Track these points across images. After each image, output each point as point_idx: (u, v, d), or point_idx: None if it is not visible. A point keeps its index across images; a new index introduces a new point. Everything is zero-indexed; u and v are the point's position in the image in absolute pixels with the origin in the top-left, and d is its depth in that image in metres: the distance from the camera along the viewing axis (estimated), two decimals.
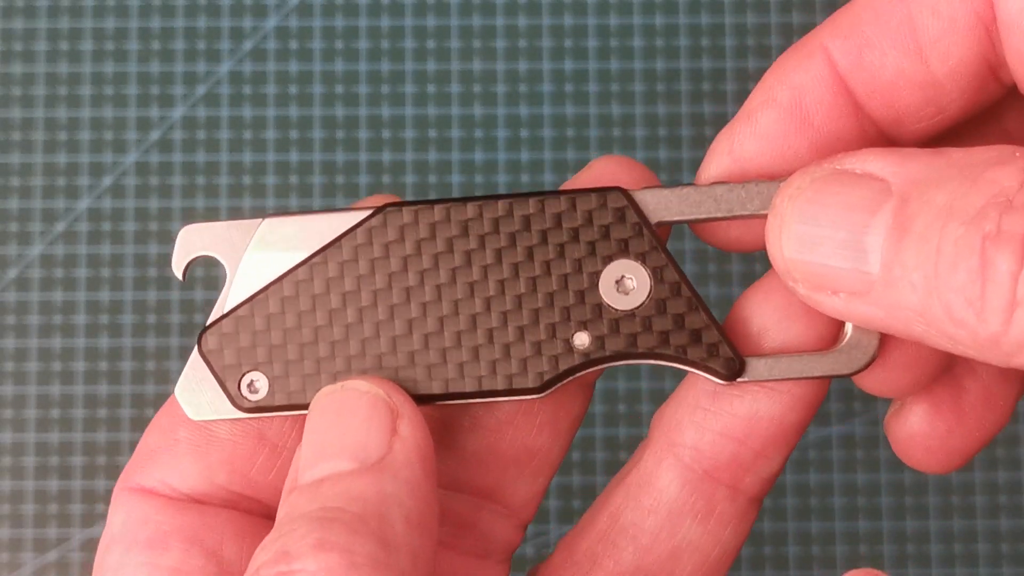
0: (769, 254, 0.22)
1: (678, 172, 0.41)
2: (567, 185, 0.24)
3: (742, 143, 0.23)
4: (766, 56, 0.42)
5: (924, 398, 0.25)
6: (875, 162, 0.21)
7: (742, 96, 0.42)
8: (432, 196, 0.41)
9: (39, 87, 0.41)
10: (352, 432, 0.22)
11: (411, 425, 0.22)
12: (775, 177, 0.23)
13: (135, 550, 0.23)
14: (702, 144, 0.41)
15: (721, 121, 0.41)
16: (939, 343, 0.20)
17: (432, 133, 0.41)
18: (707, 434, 0.24)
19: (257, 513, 0.24)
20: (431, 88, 0.42)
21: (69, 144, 0.41)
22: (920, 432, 0.25)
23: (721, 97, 0.41)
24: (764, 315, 0.24)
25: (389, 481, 0.21)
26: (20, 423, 0.40)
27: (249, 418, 0.24)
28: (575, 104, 0.41)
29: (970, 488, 0.40)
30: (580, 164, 0.41)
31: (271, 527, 0.24)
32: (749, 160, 0.23)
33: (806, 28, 0.42)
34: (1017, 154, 0.19)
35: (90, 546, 0.40)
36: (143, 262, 0.41)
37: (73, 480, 0.40)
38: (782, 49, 0.42)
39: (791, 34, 0.42)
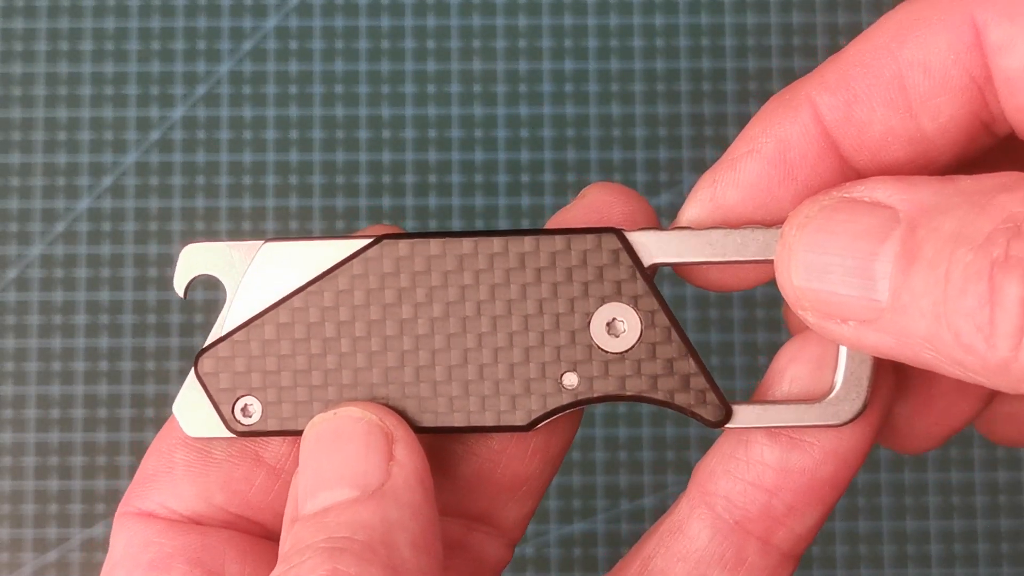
0: (778, 283, 0.22)
1: (678, 172, 0.41)
2: (561, 211, 0.24)
3: (724, 191, 0.23)
4: (766, 56, 0.42)
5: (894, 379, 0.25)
6: (883, 189, 0.21)
7: (742, 96, 0.42)
8: (432, 196, 0.41)
9: (39, 87, 0.41)
10: (350, 460, 0.22)
11: (407, 449, 0.22)
12: (759, 224, 0.23)
13: (138, 573, 0.23)
14: (702, 144, 0.41)
15: (721, 121, 0.41)
16: (949, 370, 0.20)
17: (432, 133, 0.41)
18: (739, 484, 0.24)
19: (258, 534, 0.24)
20: (431, 88, 0.42)
21: (69, 144, 0.41)
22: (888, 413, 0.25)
23: (721, 97, 0.41)
24: (799, 365, 0.24)
25: (392, 507, 0.21)
26: (20, 423, 0.40)
27: (245, 439, 0.24)
28: (575, 104, 0.41)
29: (970, 488, 0.40)
30: (580, 164, 0.41)
31: (273, 548, 0.24)
32: (731, 208, 0.23)
33: (806, 28, 0.42)
34: None
35: (90, 546, 0.40)
36: (143, 262, 0.41)
37: (73, 480, 0.40)
38: (782, 49, 0.42)
39: (791, 34, 0.42)
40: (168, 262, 0.41)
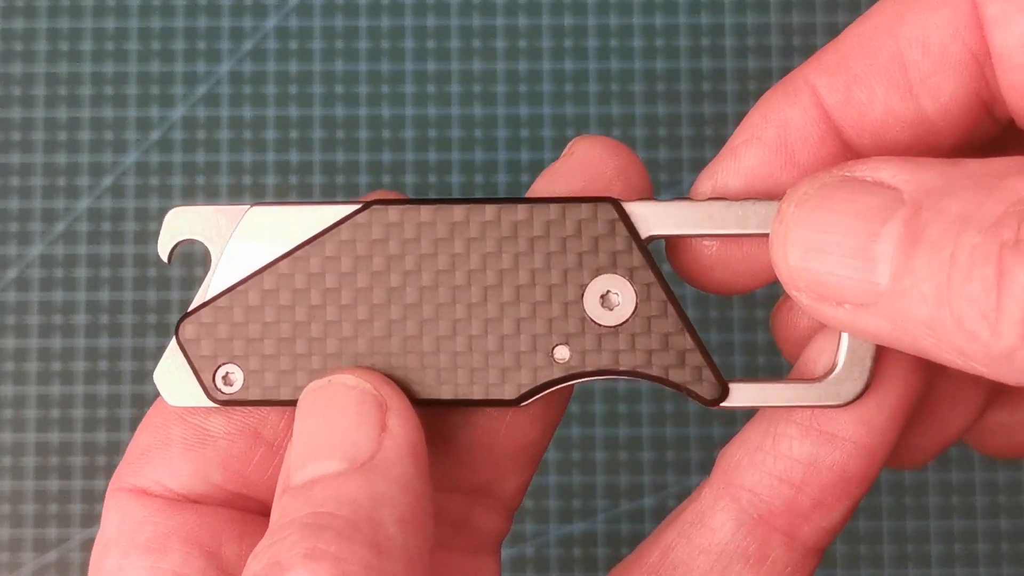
0: (773, 261, 0.21)
1: (678, 171, 0.41)
2: (549, 168, 0.24)
3: (726, 180, 0.23)
4: (766, 56, 0.42)
5: None
6: (887, 169, 0.20)
7: (742, 96, 0.42)
8: (432, 196, 0.41)
9: (39, 87, 0.41)
10: (341, 430, 0.21)
11: (400, 419, 0.21)
12: (761, 197, 0.23)
13: (134, 553, 0.23)
14: (702, 144, 0.41)
15: (721, 121, 0.41)
16: (949, 359, 0.19)
17: (432, 133, 0.41)
18: (765, 477, 0.23)
19: (256, 511, 0.24)
20: (431, 88, 0.42)
21: (69, 144, 0.41)
22: None
23: (721, 97, 0.41)
24: (825, 337, 0.23)
25: (380, 481, 0.21)
26: (20, 423, 0.40)
27: (229, 408, 0.23)
28: (575, 104, 0.41)
29: (970, 488, 0.40)
30: None
31: None
32: (733, 197, 0.23)
33: (806, 28, 0.42)
34: None
35: (90, 546, 0.40)
36: (143, 262, 0.41)
37: (73, 480, 0.40)
38: (782, 49, 0.42)
39: (791, 34, 0.42)
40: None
